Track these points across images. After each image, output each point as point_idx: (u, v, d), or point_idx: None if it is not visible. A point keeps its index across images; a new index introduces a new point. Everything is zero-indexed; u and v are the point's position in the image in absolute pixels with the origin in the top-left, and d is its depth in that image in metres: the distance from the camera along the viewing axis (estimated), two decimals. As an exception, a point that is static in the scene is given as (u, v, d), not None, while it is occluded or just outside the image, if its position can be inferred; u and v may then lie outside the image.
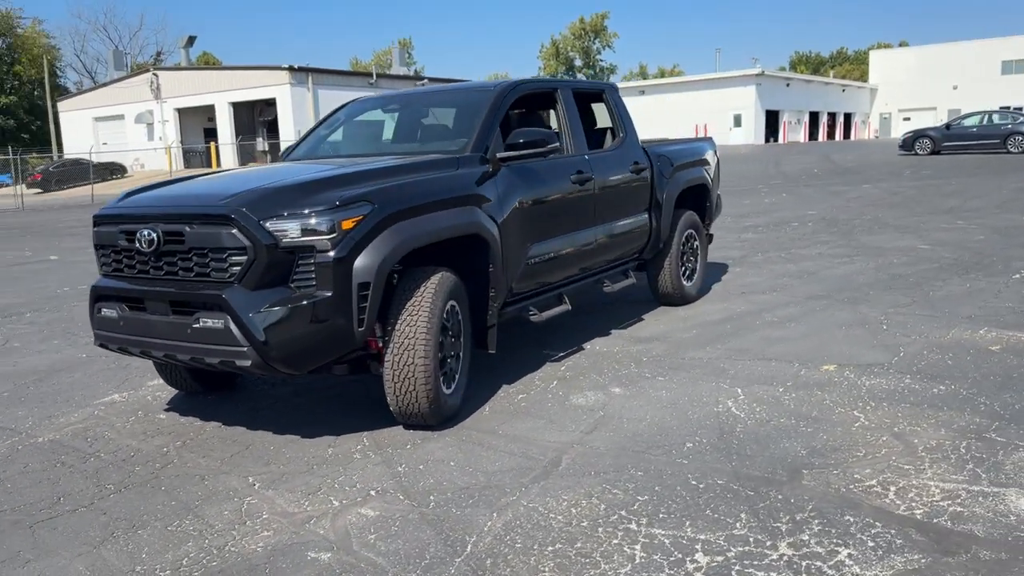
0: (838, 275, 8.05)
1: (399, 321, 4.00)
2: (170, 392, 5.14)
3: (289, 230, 3.71)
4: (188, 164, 39.20)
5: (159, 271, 3.98)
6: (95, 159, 38.29)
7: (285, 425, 4.44)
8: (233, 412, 4.72)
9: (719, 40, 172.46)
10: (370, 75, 41.66)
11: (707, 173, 7.36)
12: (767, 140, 56.19)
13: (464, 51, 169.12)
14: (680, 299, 6.91)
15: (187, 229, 3.85)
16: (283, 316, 3.69)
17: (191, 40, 44.09)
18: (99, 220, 4.29)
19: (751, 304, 6.94)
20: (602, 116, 6.66)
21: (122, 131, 43.42)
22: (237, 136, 38.97)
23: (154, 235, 3.92)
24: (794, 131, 59.95)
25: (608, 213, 5.88)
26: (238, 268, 3.75)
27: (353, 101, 6.15)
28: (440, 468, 3.73)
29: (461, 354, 4.48)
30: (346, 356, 4.01)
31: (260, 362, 3.73)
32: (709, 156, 7.51)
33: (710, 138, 8.00)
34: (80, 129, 45.81)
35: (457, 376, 4.43)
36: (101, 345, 4.32)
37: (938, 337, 5.59)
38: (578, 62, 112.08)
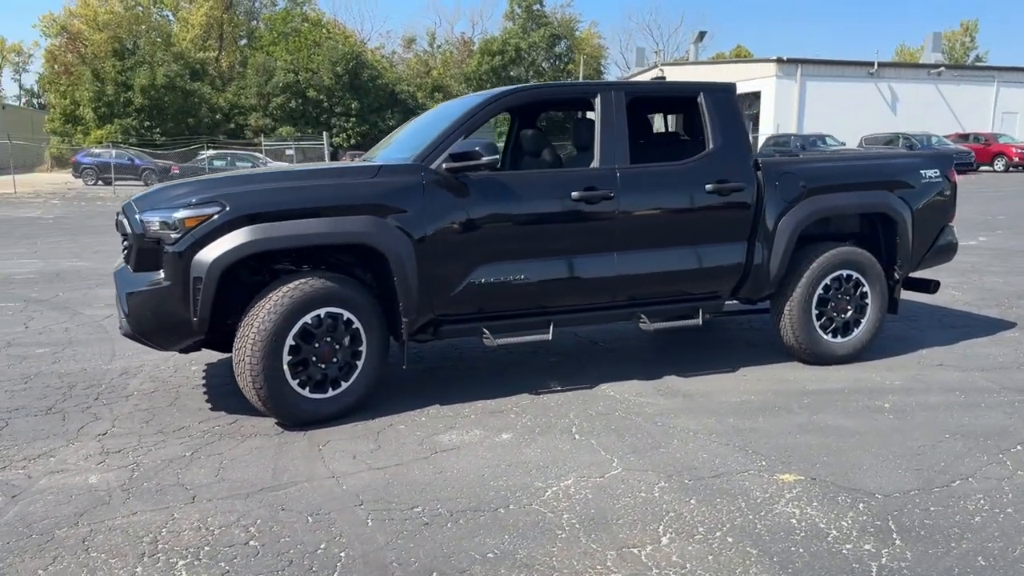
0: None
1: (243, 319, 4.22)
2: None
3: (152, 223, 4.22)
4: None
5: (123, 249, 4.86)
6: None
7: (227, 396, 4.96)
8: (226, 376, 5.40)
9: None
10: (870, 64, 37.89)
11: (900, 201, 5.59)
12: None
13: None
14: (811, 356, 5.49)
15: (120, 218, 4.62)
16: (138, 297, 4.23)
17: (701, 36, 45.72)
18: None
19: (908, 381, 5.19)
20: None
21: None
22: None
23: (116, 219, 4.80)
24: None
25: (648, 238, 5.02)
26: (128, 252, 4.40)
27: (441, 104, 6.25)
28: (200, 463, 3.90)
29: (359, 363, 4.47)
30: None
31: (131, 333, 4.34)
32: (917, 179, 5.68)
33: (941, 156, 6.00)
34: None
35: (346, 383, 4.44)
36: None
37: (1051, 482, 3.62)
38: None
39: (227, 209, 4.17)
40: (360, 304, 4.42)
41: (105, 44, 52.12)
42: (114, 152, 34.86)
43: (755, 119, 38.64)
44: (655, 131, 6.24)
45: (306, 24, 59.55)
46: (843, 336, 5.56)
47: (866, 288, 5.56)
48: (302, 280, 4.28)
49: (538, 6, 65.20)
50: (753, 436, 4.21)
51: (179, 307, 4.18)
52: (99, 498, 3.51)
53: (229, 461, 3.91)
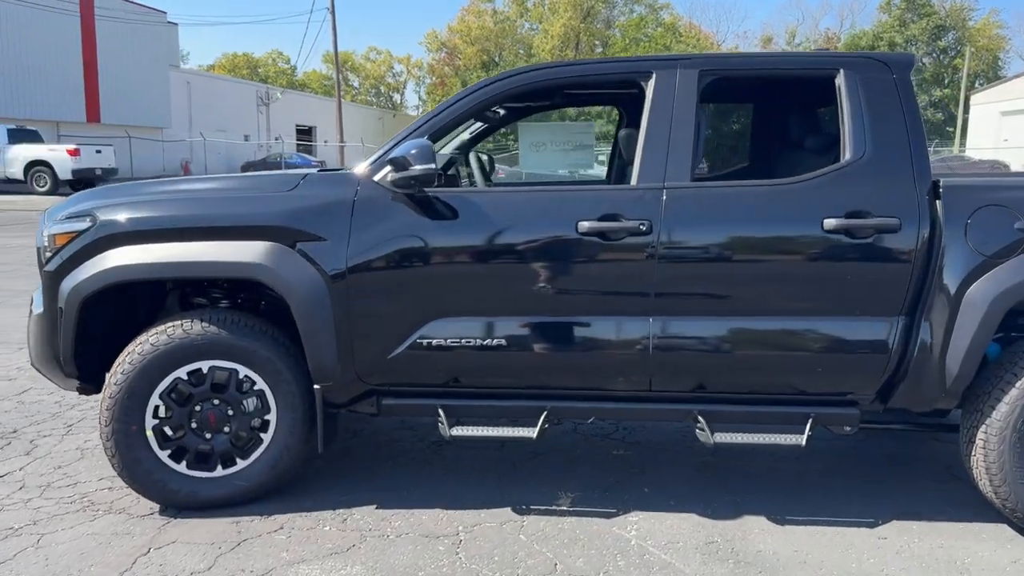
0: None
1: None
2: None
3: (44, 236, 3.51)
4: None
5: None
6: (979, 156, 35.67)
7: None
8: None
9: None
10: None
11: None
12: None
13: None
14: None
15: None
16: (29, 323, 3.55)
17: None
18: None
19: None
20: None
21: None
22: None
23: None
24: None
25: (710, 296, 3.19)
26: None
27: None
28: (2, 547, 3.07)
29: (266, 436, 3.36)
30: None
31: (32, 363, 3.68)
32: None
33: None
34: (986, 124, 43.22)
35: (244, 462, 3.36)
36: None
37: None
38: None
39: (95, 225, 3.31)
40: (263, 359, 3.28)
41: (475, 56, 56.67)
42: (457, 155, 37.28)
43: None
44: (774, 132, 4.17)
45: (659, 29, 58.98)
46: (1099, 497, 3.12)
47: None
48: (173, 323, 3.27)
49: (921, -5, 57.40)
50: None
51: (53, 341, 3.41)
52: None
53: (33, 549, 3.05)
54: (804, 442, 3.20)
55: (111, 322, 3.50)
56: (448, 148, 4.71)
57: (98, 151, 23.63)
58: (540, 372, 3.32)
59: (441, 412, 3.32)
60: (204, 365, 3.26)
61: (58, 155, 22.51)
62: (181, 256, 3.22)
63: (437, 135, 3.38)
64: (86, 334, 3.34)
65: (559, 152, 4.69)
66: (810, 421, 3.24)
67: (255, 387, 3.32)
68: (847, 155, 3.20)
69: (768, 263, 3.18)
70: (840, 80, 3.27)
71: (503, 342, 3.23)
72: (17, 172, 22.54)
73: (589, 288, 3.21)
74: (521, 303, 3.24)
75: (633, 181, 3.24)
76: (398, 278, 3.23)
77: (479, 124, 4.61)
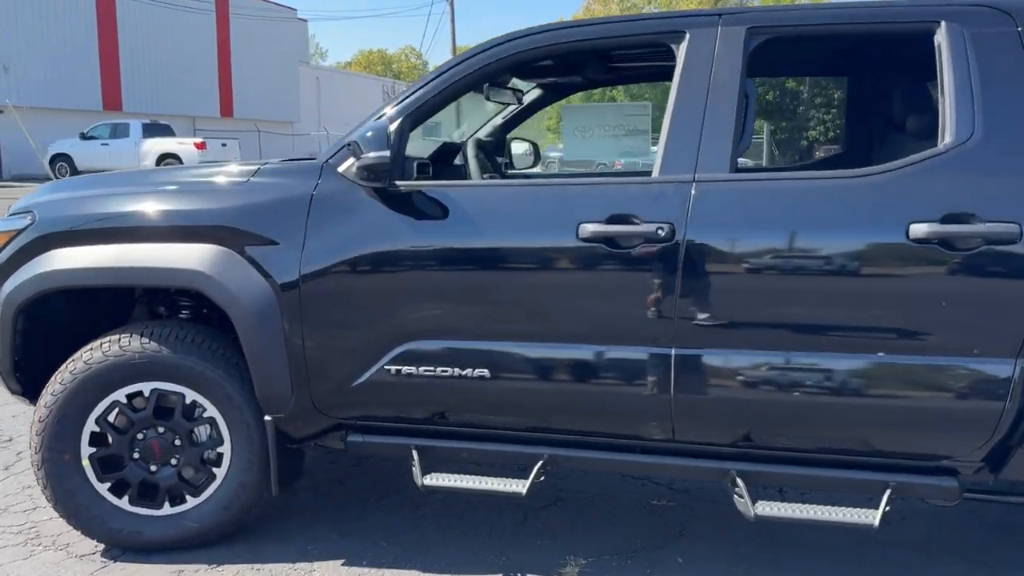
0: None
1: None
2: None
3: (-5, 235, 3.16)
4: None
5: None
6: None
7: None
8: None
9: None
10: None
11: None
12: None
13: None
14: None
15: None
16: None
17: None
18: None
19: None
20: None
21: None
22: None
23: None
24: None
25: (749, 325, 2.44)
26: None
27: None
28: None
29: (220, 471, 2.88)
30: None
31: None
32: None
33: None
34: None
35: (195, 500, 2.90)
36: None
37: None
38: None
39: (35, 223, 2.92)
40: (212, 383, 2.79)
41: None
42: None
43: None
44: (869, 110, 3.29)
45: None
46: None
47: None
48: (109, 339, 2.82)
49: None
50: None
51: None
52: None
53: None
54: (878, 522, 2.40)
55: (72, 332, 3.10)
56: (483, 132, 4.11)
57: (223, 144, 24.47)
58: (533, 412, 2.67)
59: (415, 454, 2.73)
60: (146, 387, 2.81)
61: (186, 148, 23.47)
62: (113, 261, 2.77)
63: (420, 113, 2.77)
64: (30, 346, 2.96)
65: (609, 138, 4.00)
66: (888, 493, 2.43)
67: (205, 414, 2.84)
68: (947, 138, 2.36)
69: (830, 282, 2.39)
70: (940, 36, 2.42)
71: (486, 372, 2.60)
72: (150, 164, 23.61)
73: (593, 309, 2.52)
74: (509, 325, 2.61)
75: (655, 172, 2.53)
76: (360, 291, 2.66)
77: (514, 107, 3.98)
